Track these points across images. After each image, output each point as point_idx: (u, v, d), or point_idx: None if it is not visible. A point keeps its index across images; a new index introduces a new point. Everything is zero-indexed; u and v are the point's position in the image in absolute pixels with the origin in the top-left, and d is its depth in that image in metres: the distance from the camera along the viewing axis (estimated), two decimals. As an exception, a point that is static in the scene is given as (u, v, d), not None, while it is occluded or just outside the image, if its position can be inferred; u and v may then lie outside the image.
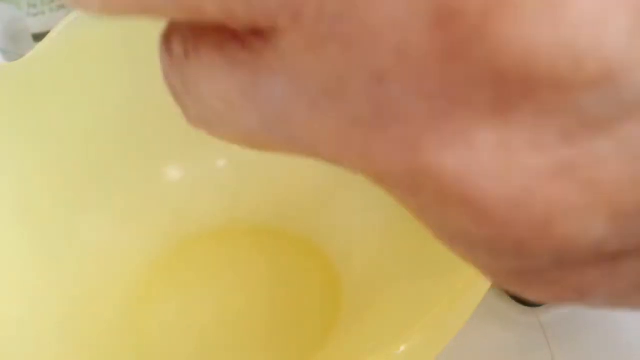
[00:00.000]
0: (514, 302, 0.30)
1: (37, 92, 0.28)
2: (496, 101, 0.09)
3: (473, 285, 0.20)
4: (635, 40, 0.08)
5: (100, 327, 0.27)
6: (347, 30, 0.09)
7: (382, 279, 0.28)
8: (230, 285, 0.31)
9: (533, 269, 0.10)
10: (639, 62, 0.08)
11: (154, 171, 0.32)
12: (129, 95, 0.31)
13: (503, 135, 0.09)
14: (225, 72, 0.10)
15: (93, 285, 0.28)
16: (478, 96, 0.09)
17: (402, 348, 0.18)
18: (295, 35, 0.09)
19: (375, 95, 0.09)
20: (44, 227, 0.28)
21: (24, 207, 0.27)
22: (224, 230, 0.32)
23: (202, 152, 0.32)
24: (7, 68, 0.27)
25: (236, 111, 0.10)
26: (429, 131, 0.09)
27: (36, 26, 0.39)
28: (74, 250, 0.29)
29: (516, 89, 0.08)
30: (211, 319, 0.29)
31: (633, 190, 0.09)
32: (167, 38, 0.11)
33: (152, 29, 0.33)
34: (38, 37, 0.39)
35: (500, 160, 0.09)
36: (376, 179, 0.10)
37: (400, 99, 0.09)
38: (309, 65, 0.09)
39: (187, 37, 0.11)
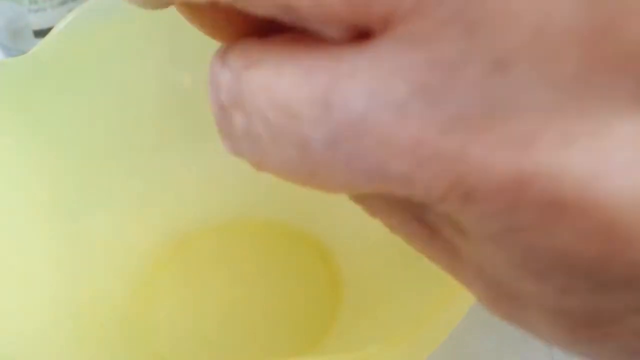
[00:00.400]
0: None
1: (42, 87, 0.28)
2: None
3: None
4: None
5: (105, 320, 0.27)
6: (476, 10, 0.08)
7: (383, 272, 0.28)
8: (232, 279, 0.31)
9: (614, 312, 0.09)
10: None
11: (157, 167, 0.32)
12: (133, 91, 0.31)
13: None
14: (297, 80, 0.10)
15: (98, 278, 0.29)
16: (621, 82, 0.08)
17: (402, 341, 0.18)
18: (413, 22, 0.09)
19: (492, 87, 0.08)
20: (50, 221, 0.28)
21: (28, 201, 0.28)
22: (226, 226, 0.32)
23: (205, 147, 0.32)
24: (12, 63, 0.27)
25: (299, 123, 0.10)
26: (550, 126, 0.08)
27: (37, 22, 0.39)
28: (79, 243, 0.29)
29: None
30: (214, 312, 0.29)
31: None
32: (224, 54, 0.11)
33: (156, 24, 0.33)
34: (39, 33, 0.39)
35: None
36: (458, 193, 0.09)
37: (523, 89, 0.08)
38: (412, 59, 0.09)
39: (250, 48, 0.10)
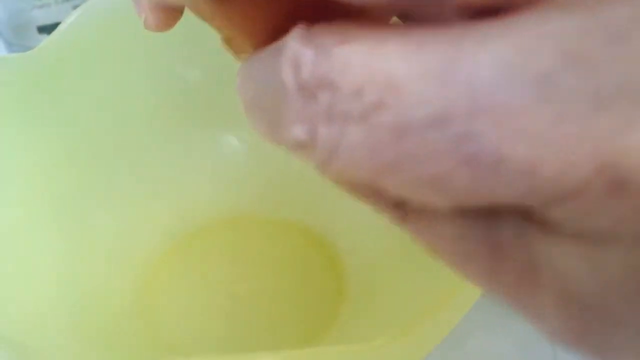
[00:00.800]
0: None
1: (48, 83, 0.28)
2: None
3: None
4: None
5: (111, 313, 0.28)
6: None
7: (386, 266, 0.28)
8: (236, 273, 0.31)
9: None
10: None
11: (164, 163, 0.32)
12: (138, 88, 0.31)
13: None
14: (405, 53, 0.09)
15: (104, 272, 0.29)
16: None
17: (407, 334, 0.18)
18: None
19: None
20: (57, 215, 0.28)
21: (35, 197, 0.28)
22: (231, 222, 0.32)
23: (211, 145, 0.32)
24: (17, 59, 0.27)
25: (402, 100, 0.09)
26: None
27: (41, 18, 0.39)
28: (86, 237, 0.29)
29: None
30: (219, 305, 0.29)
31: None
32: (308, 33, 0.10)
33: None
34: (43, 29, 0.39)
35: None
36: (602, 184, 0.08)
37: None
38: (564, 26, 0.08)
39: (344, 26, 0.10)
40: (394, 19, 0.12)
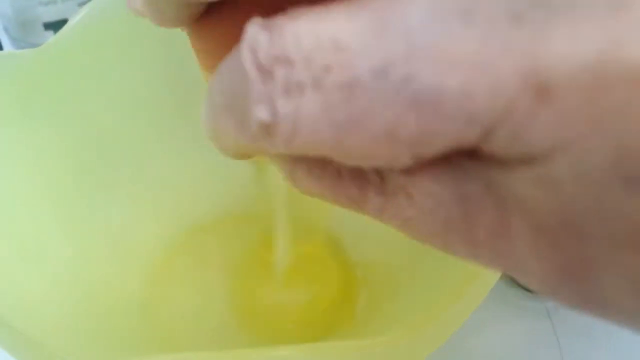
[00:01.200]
0: (521, 289, 0.31)
1: (55, 79, 0.28)
2: None
3: (485, 270, 0.20)
4: None
5: (119, 303, 0.28)
6: None
7: (394, 262, 0.28)
8: (238, 269, 0.31)
9: None
10: None
11: (171, 158, 0.32)
12: (146, 85, 0.31)
13: None
14: (346, 15, 0.10)
15: (110, 267, 0.29)
16: None
17: (418, 329, 0.18)
18: None
19: None
20: (68, 207, 0.29)
21: (40, 192, 0.28)
22: (236, 218, 0.32)
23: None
24: (27, 55, 0.27)
25: (348, 58, 0.10)
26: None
27: (47, 15, 0.39)
28: (87, 233, 0.29)
29: None
30: (224, 300, 0.30)
31: None
32: (264, 21, 0.11)
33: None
34: (49, 25, 0.39)
35: None
36: (530, 94, 0.09)
37: None
38: None
39: (294, 10, 0.10)
40: None
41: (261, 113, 0.10)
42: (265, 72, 0.10)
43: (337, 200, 0.12)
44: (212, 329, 0.29)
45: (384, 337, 0.17)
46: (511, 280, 0.31)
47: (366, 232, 0.30)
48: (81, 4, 0.39)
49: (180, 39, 0.31)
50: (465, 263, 0.22)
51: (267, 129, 0.10)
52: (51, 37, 0.28)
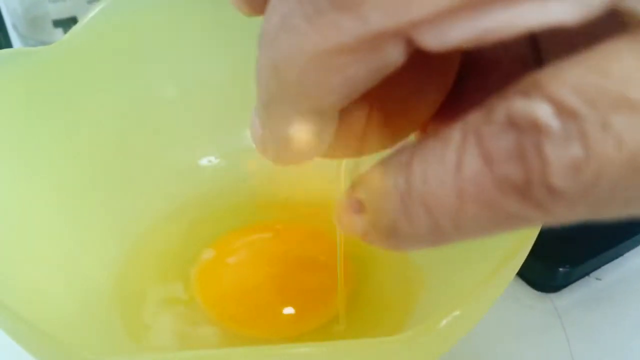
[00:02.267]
0: (530, 288, 0.31)
1: (67, 76, 0.28)
2: None
3: (512, 259, 0.20)
4: None
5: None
6: None
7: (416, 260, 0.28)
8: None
9: None
10: None
11: (180, 157, 0.32)
12: (155, 82, 0.31)
13: None
14: None
15: (116, 263, 0.29)
16: None
17: (444, 321, 0.18)
18: None
19: None
20: (76, 204, 0.29)
21: (55, 189, 0.28)
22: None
23: (229, 140, 0.32)
24: (42, 52, 0.27)
25: None
26: None
27: (56, 12, 0.39)
28: (88, 231, 0.29)
29: None
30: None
31: None
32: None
33: (184, 16, 0.32)
34: (58, 23, 0.39)
35: None
36: None
37: None
38: None
39: None
40: None
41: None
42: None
43: None
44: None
45: (399, 335, 0.17)
46: (522, 280, 0.31)
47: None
48: (90, 2, 0.39)
49: (189, 39, 0.31)
50: (479, 265, 0.22)
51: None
52: (60, 35, 0.28)
